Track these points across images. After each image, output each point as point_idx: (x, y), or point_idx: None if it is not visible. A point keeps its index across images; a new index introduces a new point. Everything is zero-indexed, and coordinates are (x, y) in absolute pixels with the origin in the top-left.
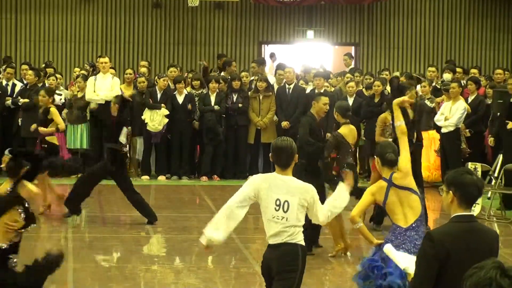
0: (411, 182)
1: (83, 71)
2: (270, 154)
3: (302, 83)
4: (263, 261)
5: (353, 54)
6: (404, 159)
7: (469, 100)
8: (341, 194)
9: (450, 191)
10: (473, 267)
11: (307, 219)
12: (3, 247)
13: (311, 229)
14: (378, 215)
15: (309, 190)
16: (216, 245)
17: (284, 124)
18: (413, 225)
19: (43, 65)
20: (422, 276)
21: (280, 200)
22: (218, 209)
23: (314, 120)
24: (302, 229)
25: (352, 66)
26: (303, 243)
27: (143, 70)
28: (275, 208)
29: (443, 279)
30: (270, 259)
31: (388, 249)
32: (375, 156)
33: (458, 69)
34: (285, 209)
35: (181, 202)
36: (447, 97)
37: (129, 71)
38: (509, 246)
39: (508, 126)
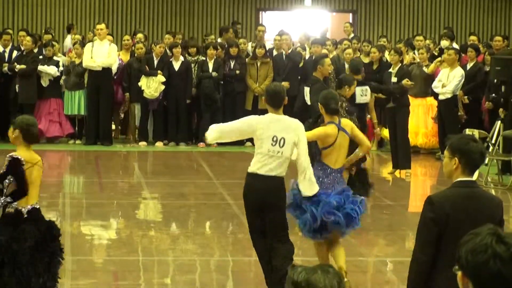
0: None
1: (77, 36)
2: (263, 98)
3: (300, 49)
4: (255, 192)
5: (351, 21)
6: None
7: (468, 67)
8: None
9: (456, 158)
10: (469, 233)
11: None
12: None
13: None
14: None
15: (300, 128)
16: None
17: (285, 84)
18: (341, 169)
19: (43, 31)
20: (423, 240)
21: (277, 137)
22: (215, 175)
23: (322, 83)
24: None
25: (353, 35)
26: None
27: (140, 36)
28: (272, 144)
29: (443, 243)
30: (265, 190)
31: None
32: (319, 103)
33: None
34: (281, 145)
35: (179, 168)
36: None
37: (126, 37)
38: (506, 212)
39: None
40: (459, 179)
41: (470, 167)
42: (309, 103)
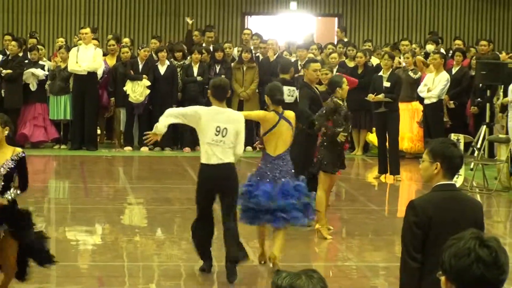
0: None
1: (61, 39)
2: (209, 91)
3: (286, 54)
4: (207, 180)
5: (336, 25)
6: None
7: (454, 71)
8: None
9: (437, 163)
10: (452, 238)
11: None
12: None
13: None
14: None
15: (241, 120)
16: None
17: None
18: (281, 155)
19: (28, 36)
20: (409, 246)
21: (220, 127)
22: None
23: (311, 88)
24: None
25: (346, 39)
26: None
27: (126, 40)
28: (215, 134)
29: (426, 247)
30: (217, 178)
31: None
32: (265, 95)
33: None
34: (224, 134)
35: (164, 173)
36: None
37: (111, 42)
38: (490, 217)
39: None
40: (440, 182)
41: (451, 171)
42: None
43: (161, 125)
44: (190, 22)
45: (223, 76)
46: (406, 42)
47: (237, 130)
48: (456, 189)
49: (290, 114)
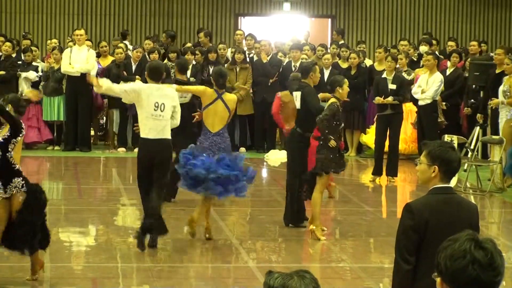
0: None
1: (54, 40)
2: (145, 73)
3: (281, 55)
4: (146, 153)
5: (330, 26)
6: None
7: (448, 72)
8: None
9: (435, 166)
10: (448, 239)
11: None
12: None
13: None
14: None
15: (175, 96)
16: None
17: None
18: (219, 131)
19: (21, 36)
20: (403, 248)
21: (158, 103)
22: None
23: (311, 87)
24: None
25: (342, 42)
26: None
27: (116, 43)
28: (154, 109)
29: (422, 248)
30: (155, 151)
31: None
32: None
33: (433, 41)
34: (162, 109)
35: None
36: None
37: (103, 43)
38: (484, 218)
39: (492, 104)
40: (436, 185)
41: (449, 175)
42: (298, 107)
43: (106, 84)
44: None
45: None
46: (405, 42)
47: (173, 105)
48: (453, 192)
49: (230, 98)
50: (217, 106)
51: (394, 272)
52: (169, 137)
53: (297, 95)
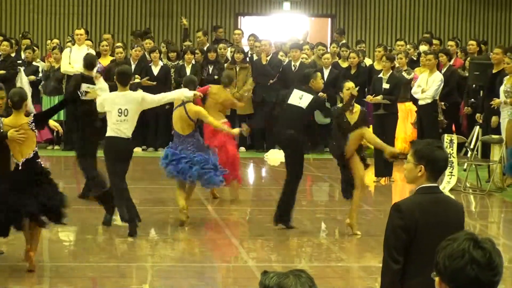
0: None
1: (55, 40)
2: (114, 77)
3: (282, 55)
4: (110, 149)
5: (329, 26)
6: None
7: (442, 72)
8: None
9: (421, 165)
10: (447, 239)
11: None
12: None
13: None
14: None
15: (138, 97)
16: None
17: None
18: (191, 133)
19: (20, 35)
20: (393, 249)
21: (121, 109)
22: None
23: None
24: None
25: (344, 41)
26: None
27: (106, 41)
28: (118, 115)
29: (412, 248)
30: (118, 148)
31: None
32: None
33: (434, 41)
34: (126, 114)
35: (157, 173)
36: (422, 68)
37: (104, 43)
38: (484, 217)
39: (495, 104)
40: (423, 185)
41: (435, 174)
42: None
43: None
44: (185, 22)
45: (216, 76)
46: (402, 43)
47: (137, 107)
48: (440, 191)
49: (191, 108)
50: (178, 112)
51: (383, 272)
52: (129, 135)
53: (305, 97)
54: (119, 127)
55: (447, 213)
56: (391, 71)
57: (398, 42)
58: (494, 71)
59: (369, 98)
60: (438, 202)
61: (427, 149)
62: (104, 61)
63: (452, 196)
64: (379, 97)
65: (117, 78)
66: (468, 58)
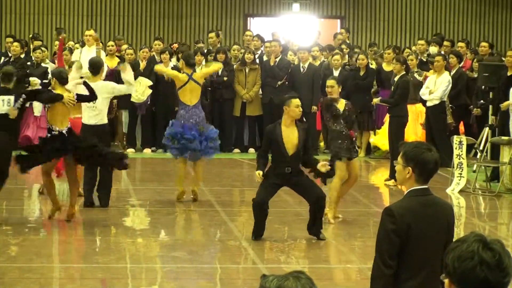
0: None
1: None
2: (88, 68)
3: (291, 54)
4: (85, 135)
5: (339, 27)
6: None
7: (451, 73)
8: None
9: (409, 167)
10: (456, 240)
11: None
12: None
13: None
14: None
15: (109, 86)
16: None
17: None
18: (195, 104)
19: (30, 36)
20: (385, 253)
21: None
22: (203, 182)
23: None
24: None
25: (348, 42)
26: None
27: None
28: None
29: (404, 252)
30: (91, 134)
31: None
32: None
33: (445, 43)
34: (94, 102)
35: (167, 175)
36: (433, 70)
37: (110, 43)
38: (494, 219)
39: (503, 107)
40: (413, 187)
41: (424, 177)
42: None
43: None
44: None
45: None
46: (422, 42)
47: (107, 96)
48: (430, 193)
49: (197, 75)
50: (190, 85)
51: (375, 276)
52: (104, 122)
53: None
54: (91, 114)
55: (437, 215)
56: (403, 72)
57: (419, 41)
58: (508, 74)
59: (374, 100)
60: (428, 205)
61: (415, 151)
62: (111, 62)
63: (461, 197)
64: (376, 100)
65: (89, 68)
66: (475, 60)
